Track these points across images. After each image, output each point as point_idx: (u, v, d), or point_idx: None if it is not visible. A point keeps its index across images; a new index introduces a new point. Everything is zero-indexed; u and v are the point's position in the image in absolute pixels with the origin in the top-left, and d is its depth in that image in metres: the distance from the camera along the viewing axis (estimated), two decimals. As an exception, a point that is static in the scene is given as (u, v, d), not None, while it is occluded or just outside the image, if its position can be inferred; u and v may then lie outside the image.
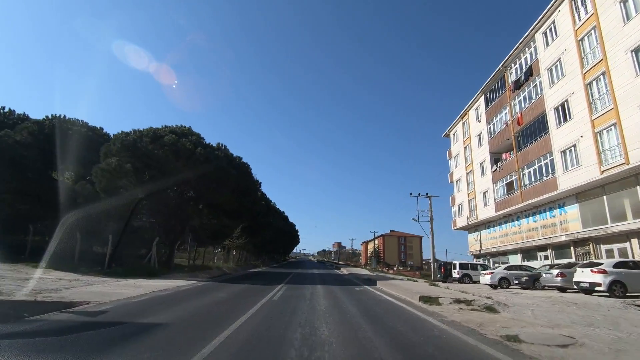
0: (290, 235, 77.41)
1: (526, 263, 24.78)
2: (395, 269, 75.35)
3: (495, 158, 29.84)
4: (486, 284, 20.48)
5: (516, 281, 18.26)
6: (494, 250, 30.68)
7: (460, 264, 27.26)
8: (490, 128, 30.28)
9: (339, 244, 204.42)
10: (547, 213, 23.30)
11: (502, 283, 19.64)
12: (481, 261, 31.46)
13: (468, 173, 34.70)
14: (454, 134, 39.11)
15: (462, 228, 36.82)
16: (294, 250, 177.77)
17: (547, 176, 22.15)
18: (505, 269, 20.23)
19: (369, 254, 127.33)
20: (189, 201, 21.00)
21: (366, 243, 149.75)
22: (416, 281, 18.65)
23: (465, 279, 26.61)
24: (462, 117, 36.43)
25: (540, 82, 23.28)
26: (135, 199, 18.50)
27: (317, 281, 17.98)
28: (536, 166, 23.37)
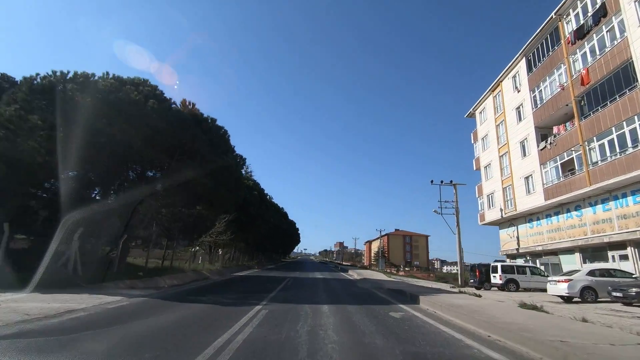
0: (290, 233, 71.58)
1: (593, 265, 18.85)
2: (406, 270, 69.37)
3: (542, 134, 23.89)
4: (557, 295, 14.58)
5: (617, 294, 12.26)
6: (539, 249, 24.70)
7: (502, 267, 21.33)
8: (535, 97, 24.30)
9: (341, 243, 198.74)
10: (630, 198, 17.34)
11: (586, 295, 13.69)
12: (521, 262, 25.48)
13: (502, 156, 28.71)
14: (480, 112, 33.11)
15: (492, 223, 30.85)
16: (295, 250, 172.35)
17: (634, 147, 16.19)
18: (588, 274, 14.25)
19: (373, 254, 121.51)
20: (140, 179, 15.15)
21: (369, 242, 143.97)
22: (479, 295, 12.41)
23: (510, 285, 20.72)
24: (493, 90, 30.45)
25: (620, 21, 17.32)
26: (54, 172, 12.68)
27: (322, 294, 12.00)
28: (614, 135, 17.40)
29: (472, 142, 34.75)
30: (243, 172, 38.45)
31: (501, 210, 28.28)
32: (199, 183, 16.01)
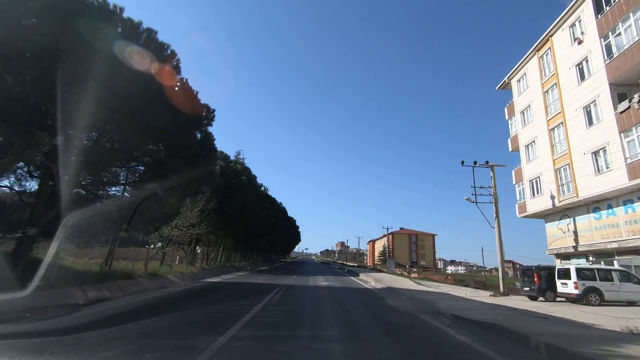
0: (289, 230, 65.77)
1: None
2: (413, 270, 63.38)
3: (620, 92, 17.96)
4: None
5: None
6: (612, 246, 18.69)
7: (578, 270, 15.42)
8: (608, 44, 18.33)
9: (343, 243, 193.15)
10: None
11: None
12: (586, 263, 19.50)
13: (553, 129, 22.73)
14: (519, 80, 27.12)
15: (536, 214, 24.90)
16: (295, 250, 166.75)
17: None
18: None
19: (377, 254, 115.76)
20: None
21: (373, 242, 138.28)
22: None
23: (591, 297, 14.84)
24: (539, 49, 24.46)
25: None
26: None
27: (333, 336, 5.69)
28: None
29: (507, 117, 28.74)
30: (232, 157, 32.54)
31: (552, 197, 22.30)
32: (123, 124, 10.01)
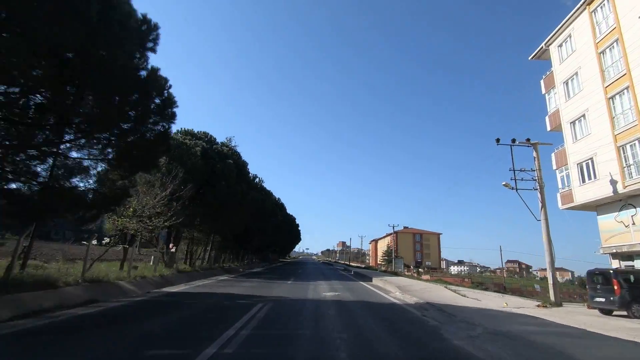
0: (288, 228, 61.28)
1: None
2: (419, 271, 58.86)
3: None
4: None
5: None
6: None
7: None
8: None
9: (344, 243, 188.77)
10: None
11: None
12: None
13: (613, 96, 18.25)
14: (560, 45, 22.61)
15: (587, 205, 20.42)
16: (296, 250, 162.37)
17: None
18: None
19: (381, 253, 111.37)
20: None
21: (375, 241, 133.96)
22: None
23: None
24: (590, 3, 19.97)
25: None
26: None
27: None
28: None
29: (544, 91, 24.24)
30: (218, 141, 28.06)
31: (613, 182, 17.81)
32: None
